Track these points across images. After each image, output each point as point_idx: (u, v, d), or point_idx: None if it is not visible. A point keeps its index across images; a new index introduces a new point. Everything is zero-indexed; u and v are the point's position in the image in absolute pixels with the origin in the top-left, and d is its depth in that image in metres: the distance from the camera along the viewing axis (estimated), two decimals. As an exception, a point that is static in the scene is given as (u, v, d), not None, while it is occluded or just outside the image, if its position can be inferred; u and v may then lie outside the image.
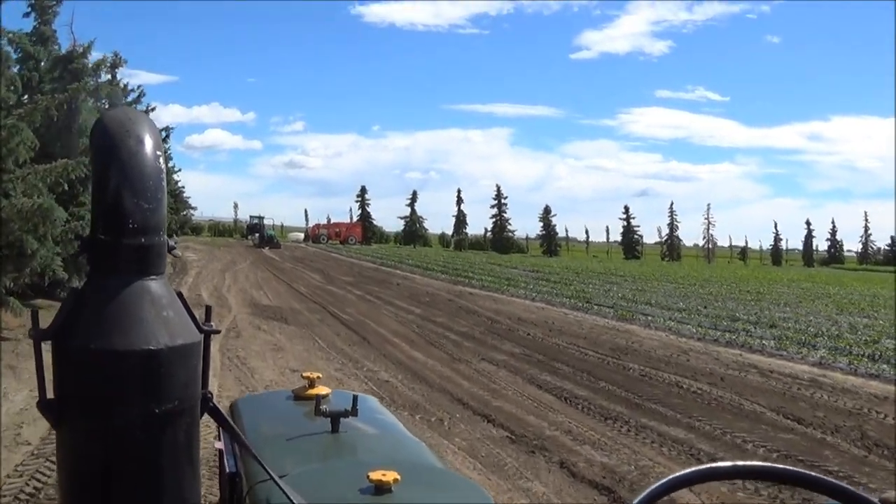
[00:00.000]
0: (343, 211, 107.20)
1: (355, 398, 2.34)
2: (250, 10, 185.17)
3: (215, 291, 23.44)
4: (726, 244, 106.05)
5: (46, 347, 1.22)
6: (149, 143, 1.27)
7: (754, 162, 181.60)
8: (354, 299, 23.28)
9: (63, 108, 17.70)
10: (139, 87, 32.97)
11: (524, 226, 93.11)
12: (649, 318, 22.00)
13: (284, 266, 37.92)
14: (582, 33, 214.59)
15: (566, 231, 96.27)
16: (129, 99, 32.97)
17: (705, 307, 26.05)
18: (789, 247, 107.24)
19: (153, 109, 38.44)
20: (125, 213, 1.21)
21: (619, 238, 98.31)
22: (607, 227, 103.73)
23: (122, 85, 32.75)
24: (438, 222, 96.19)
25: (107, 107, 27.11)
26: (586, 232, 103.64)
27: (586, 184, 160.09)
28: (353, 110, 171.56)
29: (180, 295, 1.31)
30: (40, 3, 18.90)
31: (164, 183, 1.29)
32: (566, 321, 20.45)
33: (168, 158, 50.15)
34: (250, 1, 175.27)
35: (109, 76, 21.52)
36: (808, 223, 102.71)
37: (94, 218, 1.24)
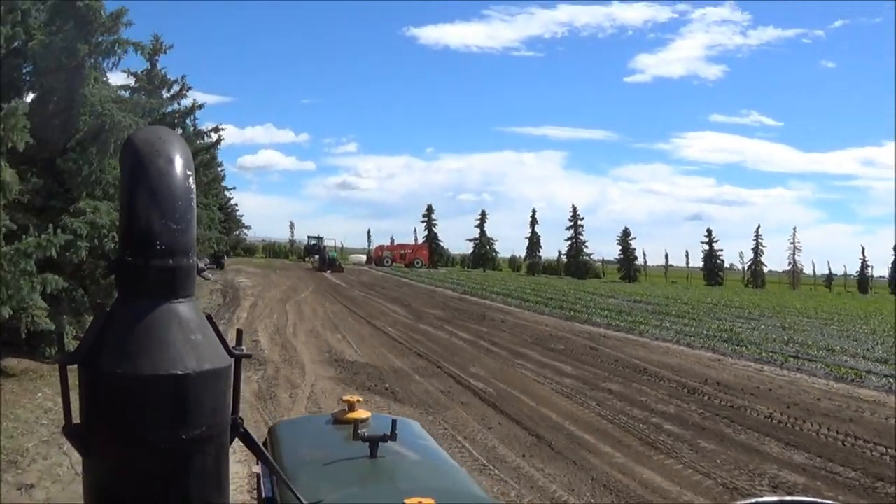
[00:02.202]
0: (398, 232, 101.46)
1: (394, 422, 2.17)
2: (305, 32, 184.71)
3: (277, 334, 17.24)
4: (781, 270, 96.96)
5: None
6: (179, 163, 1.26)
7: (808, 187, 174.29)
8: (467, 348, 16.81)
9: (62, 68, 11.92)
10: (182, 78, 27.23)
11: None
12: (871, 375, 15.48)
13: (354, 295, 31.72)
14: (636, 57, 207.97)
15: (644, 255, 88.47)
16: (171, 93, 27.41)
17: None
18: (846, 272, 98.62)
19: (222, 130, 33.10)
20: (154, 235, 1.21)
21: (686, 262, 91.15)
22: (687, 252, 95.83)
23: (161, 74, 27.27)
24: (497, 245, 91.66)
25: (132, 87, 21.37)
26: (665, 256, 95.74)
27: (639, 207, 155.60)
28: (406, 132, 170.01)
29: (210, 318, 1.30)
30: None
31: (194, 203, 1.27)
32: (781, 385, 13.85)
33: (222, 177, 45.90)
34: (305, 23, 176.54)
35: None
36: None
37: (122, 239, 1.26)
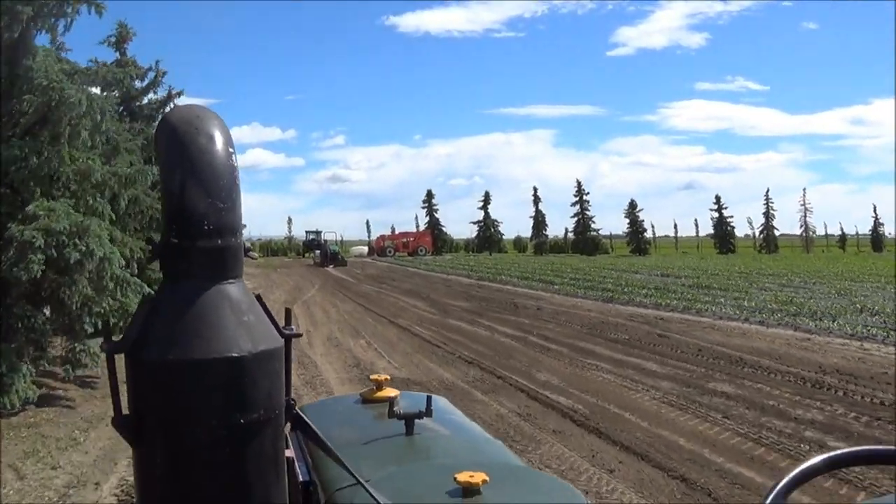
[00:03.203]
0: (394, 221, 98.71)
1: (429, 399, 2.16)
2: (285, 28, 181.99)
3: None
4: (792, 232, 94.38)
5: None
6: (220, 141, 1.21)
7: (798, 149, 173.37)
8: (518, 346, 14.13)
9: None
10: (157, 63, 24.35)
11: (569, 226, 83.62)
12: None
13: (365, 290, 29.00)
14: (617, 30, 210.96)
15: (652, 227, 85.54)
16: (146, 82, 24.54)
17: None
18: (836, 231, 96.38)
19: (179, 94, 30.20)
20: (199, 215, 1.17)
21: (695, 231, 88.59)
22: (696, 221, 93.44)
23: (131, 62, 24.38)
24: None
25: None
26: (675, 227, 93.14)
27: (631, 180, 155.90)
28: (393, 121, 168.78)
29: (259, 298, 1.29)
30: None
31: (238, 181, 1.23)
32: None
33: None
34: (283, 20, 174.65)
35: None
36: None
37: (165, 221, 1.19)
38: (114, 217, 12.18)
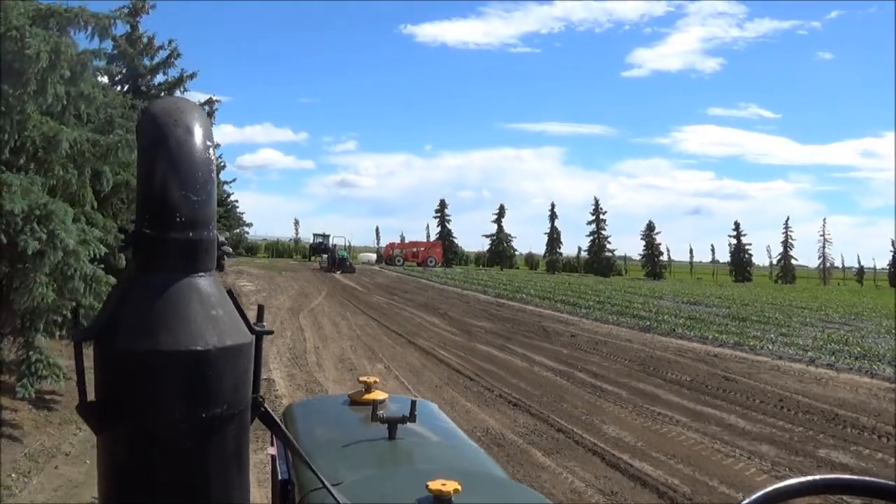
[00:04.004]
0: (401, 229, 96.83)
1: (413, 403, 2.09)
2: (302, 31, 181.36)
3: (296, 366, 12.43)
4: (802, 262, 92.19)
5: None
6: (198, 133, 1.18)
7: (807, 179, 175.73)
8: (566, 385, 12.00)
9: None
10: (170, 42, 22.43)
11: (582, 243, 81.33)
12: None
13: (376, 301, 26.86)
14: (633, 51, 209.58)
15: (668, 252, 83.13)
16: (157, 59, 22.57)
17: None
18: (851, 264, 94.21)
19: (217, 102, 28.40)
20: (173, 206, 1.13)
21: (711, 257, 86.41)
22: (712, 246, 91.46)
23: (144, 38, 22.41)
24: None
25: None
26: (690, 252, 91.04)
27: (640, 202, 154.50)
28: (405, 129, 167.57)
29: (230, 293, 1.23)
30: None
31: (214, 175, 1.19)
32: None
33: (221, 166, 40.87)
34: (302, 22, 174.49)
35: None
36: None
37: (139, 211, 1.16)
38: (95, 201, 10.14)
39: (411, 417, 2.05)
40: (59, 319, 7.56)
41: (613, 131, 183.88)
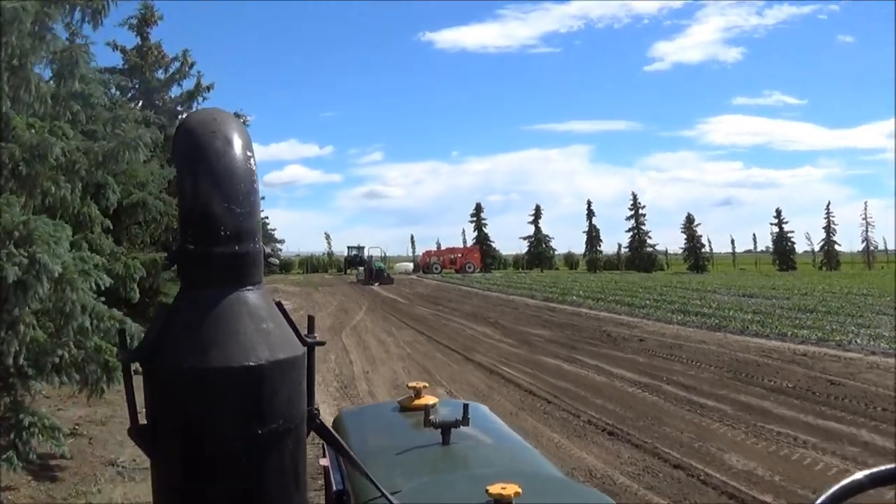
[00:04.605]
0: (432, 237, 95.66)
1: (466, 406, 2.05)
2: (321, 46, 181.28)
3: (345, 396, 10.93)
4: (841, 249, 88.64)
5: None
6: (238, 144, 1.16)
7: (836, 164, 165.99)
8: (666, 406, 10.32)
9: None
10: (184, 53, 21.13)
11: (615, 241, 78.90)
12: None
13: (420, 313, 25.32)
14: (654, 45, 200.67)
15: (710, 244, 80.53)
16: (171, 70, 21.28)
17: None
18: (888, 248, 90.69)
19: (248, 119, 27.18)
20: (216, 220, 1.12)
21: (753, 246, 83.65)
22: (754, 236, 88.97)
23: (155, 49, 21.15)
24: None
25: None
26: (732, 243, 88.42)
27: (669, 196, 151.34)
28: (430, 137, 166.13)
29: (280, 305, 1.21)
30: None
31: (257, 186, 1.18)
32: None
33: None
34: (320, 37, 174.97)
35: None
36: None
37: (182, 226, 1.15)
38: (105, 222, 8.74)
39: (464, 421, 1.99)
40: (56, 359, 6.12)
41: (639, 126, 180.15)
